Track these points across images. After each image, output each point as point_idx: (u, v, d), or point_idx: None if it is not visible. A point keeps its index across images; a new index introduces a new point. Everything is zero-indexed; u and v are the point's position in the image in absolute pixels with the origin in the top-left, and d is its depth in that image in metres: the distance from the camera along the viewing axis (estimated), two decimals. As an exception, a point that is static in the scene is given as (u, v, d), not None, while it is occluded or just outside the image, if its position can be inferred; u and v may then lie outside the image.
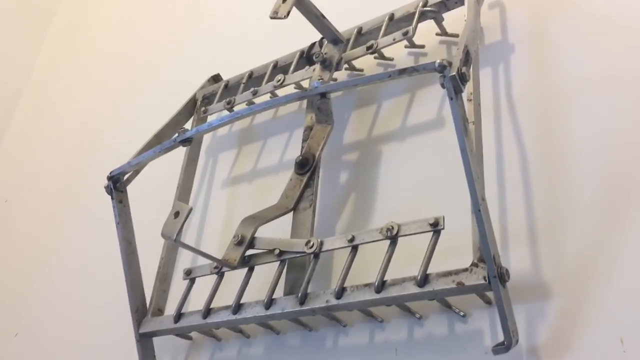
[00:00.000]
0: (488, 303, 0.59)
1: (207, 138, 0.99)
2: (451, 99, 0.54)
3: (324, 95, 0.69)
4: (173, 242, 0.62)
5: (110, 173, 0.78)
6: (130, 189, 0.81)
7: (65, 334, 0.99)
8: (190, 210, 0.62)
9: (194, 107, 0.94)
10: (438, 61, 0.55)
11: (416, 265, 0.59)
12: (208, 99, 0.95)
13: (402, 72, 0.58)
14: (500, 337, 0.56)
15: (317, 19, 0.72)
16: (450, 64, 0.55)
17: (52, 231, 1.18)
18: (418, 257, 0.59)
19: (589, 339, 0.53)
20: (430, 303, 0.61)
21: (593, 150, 0.61)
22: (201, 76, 1.02)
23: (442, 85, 0.55)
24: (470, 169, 0.54)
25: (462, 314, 0.60)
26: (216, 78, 0.99)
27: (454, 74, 0.54)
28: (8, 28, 1.61)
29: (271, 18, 0.69)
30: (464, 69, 0.55)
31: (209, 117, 0.94)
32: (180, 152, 0.89)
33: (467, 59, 0.58)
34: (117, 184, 0.78)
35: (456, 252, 0.62)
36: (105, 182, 0.79)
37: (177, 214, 0.63)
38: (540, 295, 0.57)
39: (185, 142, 0.73)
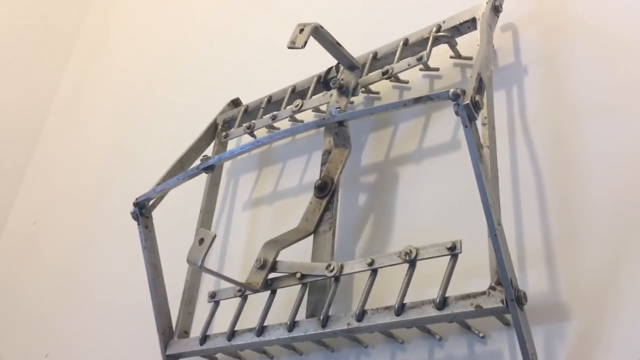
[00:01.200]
0: (507, 324, 0.60)
1: (227, 160, 1.01)
2: (465, 126, 0.56)
3: (341, 123, 0.71)
4: (198, 269, 0.65)
5: (136, 199, 0.80)
6: (154, 211, 0.84)
7: (94, 355, 1.01)
8: (214, 237, 0.64)
9: (215, 132, 0.97)
10: (452, 90, 0.56)
11: (433, 285, 0.61)
12: (228, 123, 0.97)
13: (417, 100, 0.59)
14: (520, 358, 0.57)
15: (333, 46, 0.74)
16: (463, 92, 0.56)
17: (79, 254, 1.21)
18: (435, 278, 0.60)
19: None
20: (450, 324, 0.63)
21: (608, 170, 0.62)
22: (220, 99, 1.05)
23: (456, 113, 0.57)
24: (486, 195, 0.55)
25: (481, 335, 0.62)
26: (236, 102, 1.01)
27: (467, 102, 0.55)
28: (31, 52, 1.65)
29: (289, 48, 0.71)
30: (477, 97, 0.57)
31: (229, 141, 0.97)
32: (202, 174, 0.91)
33: (480, 86, 0.59)
34: (142, 210, 0.80)
35: (473, 274, 0.64)
36: (131, 207, 0.82)
37: (201, 241, 0.65)
38: (558, 316, 0.58)
39: (208, 169, 0.75)
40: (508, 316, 0.58)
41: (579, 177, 0.64)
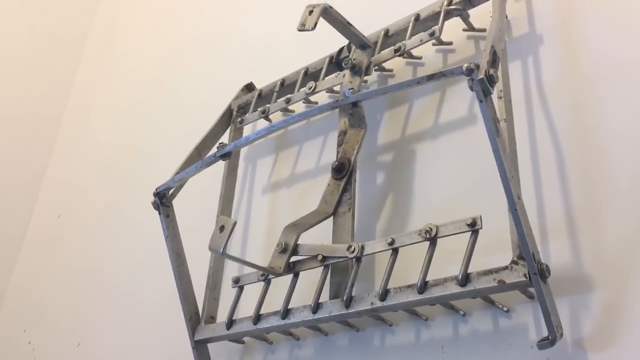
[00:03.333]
0: (530, 298, 0.60)
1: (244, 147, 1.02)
2: (481, 101, 0.55)
3: (355, 103, 0.71)
4: (221, 256, 0.65)
5: (157, 189, 0.81)
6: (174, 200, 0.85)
7: (125, 343, 1.03)
8: (235, 223, 0.65)
9: (230, 117, 0.97)
10: (465, 65, 0.55)
11: (455, 261, 0.61)
12: (243, 109, 0.97)
13: (431, 77, 0.59)
14: (545, 331, 0.57)
15: (344, 27, 0.73)
16: (477, 66, 0.56)
17: (105, 244, 1.23)
18: (456, 254, 0.60)
19: (634, 330, 0.54)
20: (474, 300, 0.63)
21: (629, 137, 0.61)
22: (233, 84, 1.05)
23: (471, 89, 0.56)
24: (504, 169, 0.54)
25: (505, 309, 0.62)
26: (250, 87, 1.01)
27: (482, 77, 0.55)
28: (46, 47, 1.67)
29: (299, 30, 0.71)
30: (491, 71, 0.56)
31: (245, 126, 0.97)
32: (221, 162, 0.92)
33: (494, 59, 0.58)
34: (163, 199, 0.81)
35: (494, 249, 0.63)
36: (151, 196, 0.83)
37: (222, 228, 0.65)
38: (582, 287, 0.58)
39: (225, 156, 0.75)
40: (532, 289, 0.58)
41: (599, 147, 0.63)
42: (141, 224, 1.15)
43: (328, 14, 0.71)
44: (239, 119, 0.94)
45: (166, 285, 0.96)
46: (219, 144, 0.76)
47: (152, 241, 1.06)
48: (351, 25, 0.74)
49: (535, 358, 0.58)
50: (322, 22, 0.75)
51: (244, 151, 1.01)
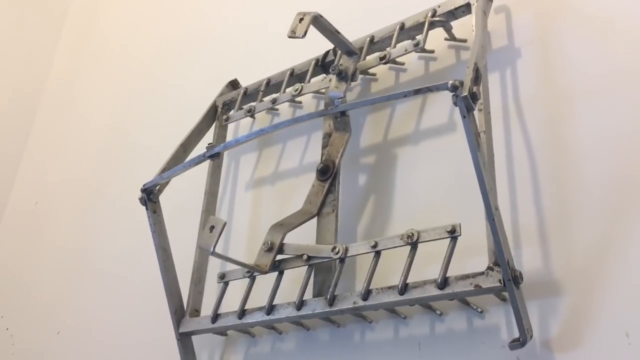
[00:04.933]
0: (503, 300, 0.64)
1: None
2: (464, 117, 0.59)
3: (343, 112, 0.74)
4: (210, 254, 0.68)
5: (144, 186, 0.83)
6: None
7: (106, 332, 1.05)
8: (225, 224, 0.67)
9: (215, 114, 0.99)
10: (450, 82, 0.59)
11: (432, 261, 0.65)
12: (228, 106, 0.99)
13: (417, 91, 0.62)
14: (516, 331, 0.62)
15: (332, 34, 0.76)
16: (461, 83, 0.59)
17: (85, 233, 1.24)
18: (434, 255, 0.65)
19: (598, 333, 0.58)
20: (450, 301, 0.67)
21: (599, 151, 0.65)
22: (216, 78, 1.07)
23: (455, 104, 0.59)
24: (484, 181, 0.58)
25: (479, 310, 0.66)
26: (234, 83, 1.03)
27: (465, 94, 0.58)
28: (22, 31, 1.64)
29: (289, 37, 0.73)
30: (474, 89, 0.59)
31: (230, 123, 0.99)
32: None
33: (477, 76, 0.62)
34: (150, 196, 0.83)
35: (469, 252, 0.67)
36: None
37: (212, 228, 0.68)
38: (551, 292, 0.62)
39: (214, 156, 0.77)
40: (505, 293, 0.62)
41: (571, 159, 0.67)
42: (123, 213, 1.16)
43: (318, 22, 0.73)
44: (224, 117, 0.96)
45: (148, 273, 0.99)
46: (208, 144, 0.78)
47: (134, 229, 1.08)
48: (339, 33, 0.77)
49: (506, 357, 0.62)
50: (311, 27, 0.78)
51: (228, 147, 1.03)
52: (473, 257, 0.67)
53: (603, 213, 0.63)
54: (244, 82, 1.02)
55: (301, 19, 0.73)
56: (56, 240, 1.30)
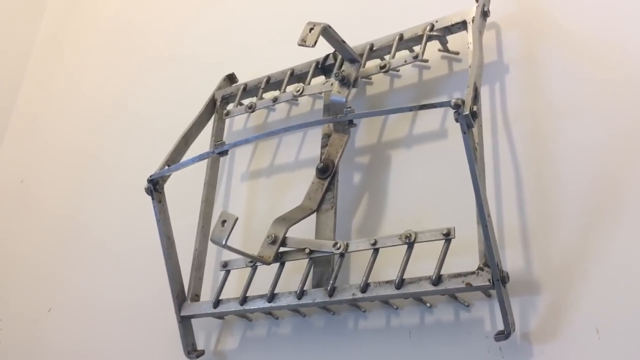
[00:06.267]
0: (488, 296, 0.72)
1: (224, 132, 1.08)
2: (464, 133, 0.65)
3: (351, 121, 0.80)
4: (222, 247, 0.73)
5: (150, 177, 0.87)
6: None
7: (99, 311, 1.09)
8: (236, 219, 0.73)
9: (214, 107, 1.03)
10: (453, 101, 0.65)
11: (424, 257, 0.72)
12: (227, 100, 1.03)
13: (423, 107, 0.68)
14: (498, 325, 0.70)
15: (338, 43, 0.81)
16: (463, 102, 0.65)
17: (75, 209, 1.27)
18: (427, 251, 0.72)
19: (572, 328, 0.66)
20: (440, 295, 0.74)
21: (578, 163, 0.73)
22: (206, 67, 1.12)
23: (456, 120, 0.66)
24: (479, 192, 0.65)
25: (466, 304, 0.73)
26: (231, 77, 1.07)
27: (467, 113, 0.64)
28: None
29: (299, 45, 0.78)
30: (474, 108, 0.66)
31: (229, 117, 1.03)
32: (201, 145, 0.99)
33: (475, 95, 0.68)
34: (156, 186, 0.87)
35: (460, 250, 0.74)
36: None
37: (223, 222, 0.73)
38: (531, 290, 0.70)
39: (222, 153, 0.82)
40: (492, 291, 0.69)
41: (552, 169, 0.74)
42: (118, 187, 1.20)
43: (327, 32, 0.78)
44: (224, 111, 1.00)
45: (142, 250, 1.04)
46: (217, 142, 0.83)
47: (128, 203, 1.12)
48: (345, 42, 0.82)
49: (490, 346, 0.70)
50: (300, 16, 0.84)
51: (225, 138, 1.08)
52: (462, 255, 0.75)
53: (579, 221, 0.71)
54: (240, 75, 1.07)
55: (311, 29, 0.78)
56: (46, 217, 1.32)
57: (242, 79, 1.07)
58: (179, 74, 1.27)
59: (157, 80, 1.31)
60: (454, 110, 0.65)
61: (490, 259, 0.66)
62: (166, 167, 0.89)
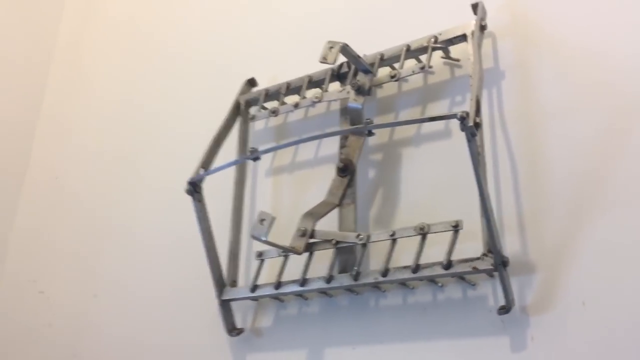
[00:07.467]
0: (491, 277, 0.84)
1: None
2: (469, 141, 0.77)
3: (370, 131, 0.91)
4: (262, 242, 0.85)
5: (191, 179, 0.98)
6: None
7: (142, 297, 1.22)
8: (274, 218, 0.85)
9: (238, 110, 1.14)
10: (459, 113, 0.76)
11: (433, 244, 0.84)
12: (249, 103, 1.14)
13: (433, 118, 0.80)
14: (500, 301, 0.82)
15: (354, 58, 0.92)
16: (467, 114, 0.76)
17: (111, 196, 1.39)
18: (435, 238, 0.84)
19: (562, 302, 0.79)
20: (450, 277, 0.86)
21: (567, 159, 0.84)
22: (223, 71, 1.23)
23: (462, 129, 0.77)
24: (483, 191, 0.77)
25: (472, 283, 0.86)
26: (252, 82, 1.18)
27: (471, 124, 0.76)
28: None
29: (321, 62, 0.89)
30: (477, 119, 0.77)
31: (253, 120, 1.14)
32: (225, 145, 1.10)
33: (478, 107, 0.80)
34: (195, 187, 0.99)
35: (465, 238, 0.86)
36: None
37: (262, 220, 0.85)
38: (527, 270, 0.82)
39: (256, 158, 0.94)
40: (495, 273, 0.82)
41: (544, 165, 0.86)
42: (149, 176, 1.32)
43: (345, 50, 0.89)
44: (250, 115, 1.11)
45: (176, 241, 1.17)
46: (251, 149, 0.94)
47: (163, 191, 1.25)
48: (360, 57, 0.93)
49: (493, 320, 0.83)
50: (311, 23, 0.97)
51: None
52: (467, 242, 0.87)
53: (568, 209, 0.82)
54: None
55: (331, 47, 0.88)
56: (80, 211, 1.44)
57: (260, 82, 1.18)
58: (196, 77, 1.36)
59: (174, 83, 1.40)
60: (460, 122, 0.77)
61: (492, 246, 0.78)
62: (202, 169, 1.00)
